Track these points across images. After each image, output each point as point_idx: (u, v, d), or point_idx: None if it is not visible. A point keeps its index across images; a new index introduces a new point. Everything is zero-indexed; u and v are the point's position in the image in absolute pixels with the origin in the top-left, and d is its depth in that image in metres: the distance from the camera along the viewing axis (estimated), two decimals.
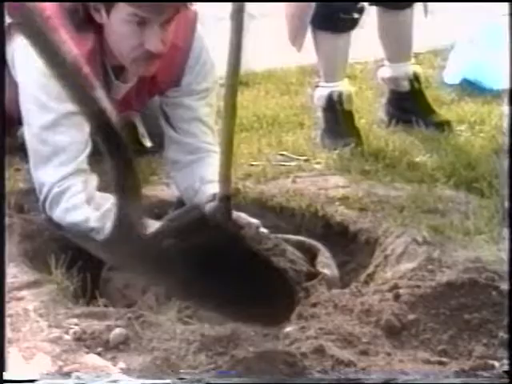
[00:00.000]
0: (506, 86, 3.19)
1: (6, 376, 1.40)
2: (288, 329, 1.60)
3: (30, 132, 2.03)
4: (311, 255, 1.94)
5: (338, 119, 2.76)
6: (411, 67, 2.90)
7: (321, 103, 2.82)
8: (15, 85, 2.03)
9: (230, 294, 1.50)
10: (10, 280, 1.74)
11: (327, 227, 2.18)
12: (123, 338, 1.57)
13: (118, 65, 2.05)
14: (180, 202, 2.21)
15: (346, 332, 1.58)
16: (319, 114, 2.84)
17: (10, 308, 1.66)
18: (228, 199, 1.81)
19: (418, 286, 1.70)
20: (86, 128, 2.01)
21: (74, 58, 1.35)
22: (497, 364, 1.45)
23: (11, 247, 1.89)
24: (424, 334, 1.60)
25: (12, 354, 1.49)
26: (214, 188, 1.94)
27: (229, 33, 1.68)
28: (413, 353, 1.55)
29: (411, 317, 1.63)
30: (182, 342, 1.56)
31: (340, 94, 2.77)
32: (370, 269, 1.98)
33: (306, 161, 2.58)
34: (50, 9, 1.98)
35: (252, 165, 2.52)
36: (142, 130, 2.27)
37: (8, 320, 1.59)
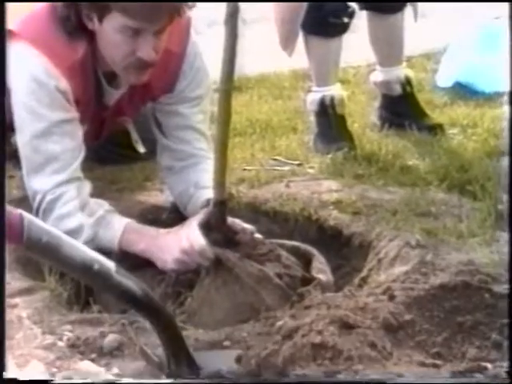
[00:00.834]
0: (499, 88, 3.21)
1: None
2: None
3: (22, 140, 2.02)
4: (306, 260, 1.94)
5: (331, 123, 2.77)
6: (403, 71, 2.91)
7: (313, 107, 2.82)
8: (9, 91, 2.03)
9: None
10: None
11: (321, 231, 2.18)
12: (117, 344, 1.57)
13: (110, 71, 2.05)
14: (174, 207, 2.21)
15: None
16: (312, 118, 2.85)
17: None
18: (223, 204, 1.81)
19: (412, 289, 1.71)
20: (79, 135, 2.01)
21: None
22: (490, 366, 1.45)
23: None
24: (418, 336, 1.61)
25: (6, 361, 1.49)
26: (208, 193, 1.94)
27: (223, 38, 1.68)
28: (408, 353, 1.55)
29: (405, 318, 1.63)
30: None
31: (332, 98, 2.78)
32: (364, 272, 1.98)
33: (299, 165, 2.58)
34: (42, 17, 1.99)
35: (245, 169, 2.52)
36: (135, 136, 2.27)
37: None
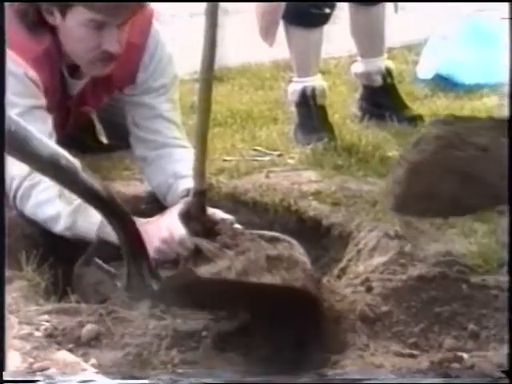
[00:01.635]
0: (479, 80, 3.23)
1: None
2: None
3: None
4: None
5: (312, 114, 2.77)
6: (384, 62, 2.92)
7: (294, 98, 2.82)
8: None
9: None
10: None
11: (300, 222, 2.18)
12: (95, 334, 1.57)
13: (72, 63, 2.06)
14: (152, 197, 2.20)
15: None
16: (293, 108, 2.85)
17: None
18: (202, 194, 1.80)
19: (390, 280, 1.71)
20: (50, 122, 2.01)
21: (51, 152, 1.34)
22: (465, 356, 1.46)
23: None
24: (395, 327, 1.61)
25: None
26: (187, 183, 1.93)
27: (203, 28, 1.67)
28: (385, 344, 1.56)
29: (383, 309, 1.64)
30: (154, 338, 1.56)
31: (313, 89, 2.78)
32: (343, 263, 1.99)
33: (279, 156, 2.58)
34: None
35: (225, 160, 2.52)
36: (98, 126, 2.27)
37: None
